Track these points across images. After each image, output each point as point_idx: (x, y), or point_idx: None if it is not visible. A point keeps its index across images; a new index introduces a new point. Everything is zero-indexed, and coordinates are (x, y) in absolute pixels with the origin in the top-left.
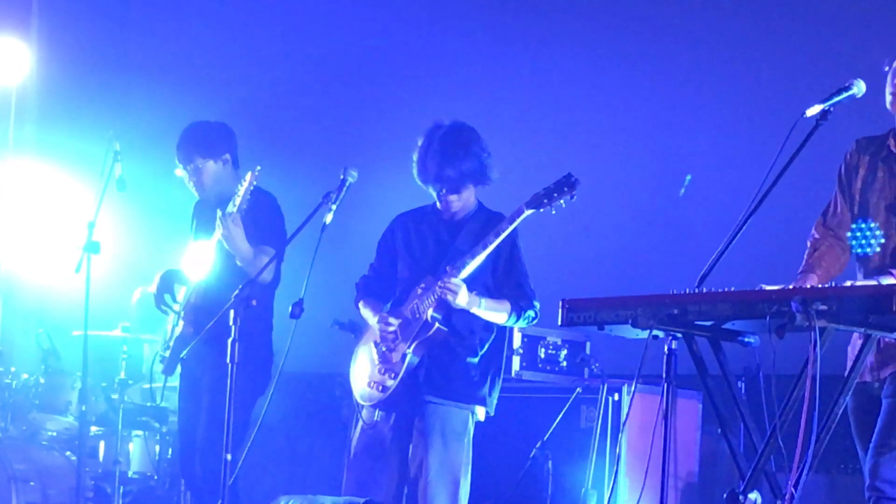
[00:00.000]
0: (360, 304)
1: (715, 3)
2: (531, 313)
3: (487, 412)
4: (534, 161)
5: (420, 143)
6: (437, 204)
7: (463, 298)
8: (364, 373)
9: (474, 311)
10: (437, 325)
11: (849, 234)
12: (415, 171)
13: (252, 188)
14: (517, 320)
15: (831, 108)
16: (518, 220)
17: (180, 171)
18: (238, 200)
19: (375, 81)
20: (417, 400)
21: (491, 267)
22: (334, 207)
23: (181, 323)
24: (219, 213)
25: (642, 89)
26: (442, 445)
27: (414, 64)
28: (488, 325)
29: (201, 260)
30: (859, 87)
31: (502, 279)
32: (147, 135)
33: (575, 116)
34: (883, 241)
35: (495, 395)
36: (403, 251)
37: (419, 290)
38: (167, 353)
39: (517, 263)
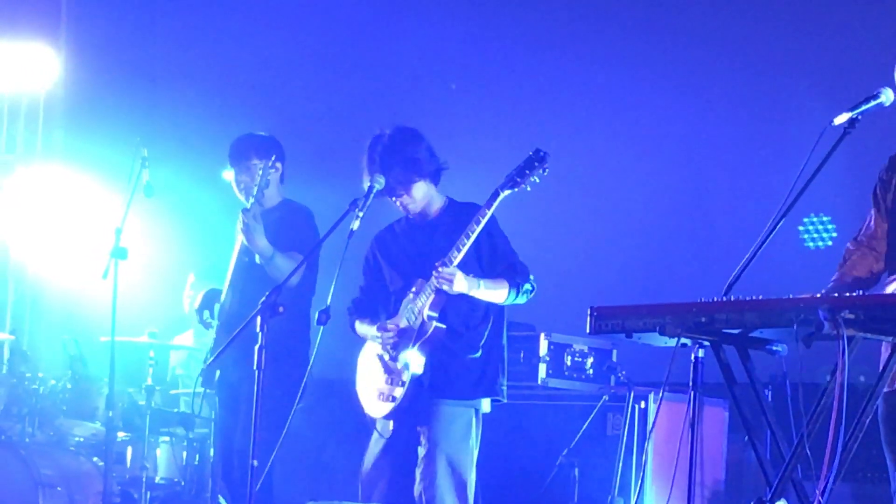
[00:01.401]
0: (357, 324)
1: (745, 9)
2: (528, 286)
3: (499, 400)
4: (561, 168)
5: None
6: (402, 210)
7: (461, 284)
8: (372, 386)
9: (474, 293)
10: (434, 323)
11: (801, 227)
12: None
13: (270, 176)
14: (517, 296)
15: (859, 117)
16: (495, 203)
17: (229, 174)
18: (255, 191)
19: (403, 89)
20: (422, 403)
21: (475, 257)
22: (361, 214)
23: (217, 333)
24: (241, 211)
25: (669, 97)
26: (448, 447)
27: (443, 73)
28: (485, 318)
29: (230, 268)
30: (887, 96)
31: (490, 264)
32: (175, 141)
33: (602, 123)
34: (835, 235)
35: (503, 381)
36: (388, 267)
37: (411, 295)
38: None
39: (500, 245)
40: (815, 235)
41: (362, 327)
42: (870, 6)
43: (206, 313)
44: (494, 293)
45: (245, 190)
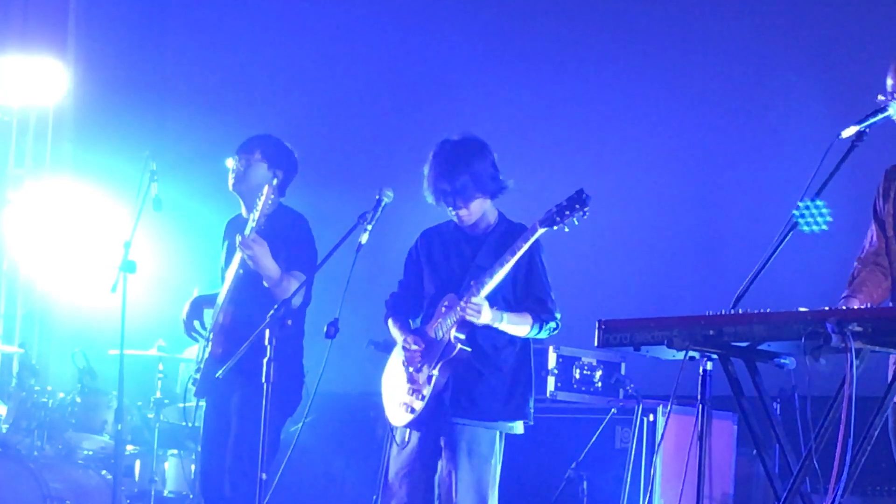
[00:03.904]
0: (390, 322)
1: (754, 22)
2: (552, 324)
3: (527, 423)
4: (570, 180)
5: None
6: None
7: (486, 317)
8: (394, 392)
9: (497, 325)
10: (459, 346)
11: (795, 212)
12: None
13: (271, 202)
14: (539, 332)
15: (867, 130)
16: (532, 239)
17: (231, 161)
18: (256, 215)
19: (411, 102)
20: (444, 421)
21: (511, 282)
22: (370, 227)
23: (210, 344)
24: (238, 237)
25: (678, 109)
26: (469, 467)
27: (450, 85)
28: (513, 340)
29: (227, 279)
30: (895, 109)
31: (523, 293)
32: (183, 155)
33: (610, 136)
34: (830, 219)
35: (531, 404)
36: (428, 267)
37: (443, 309)
38: (198, 375)
39: (537, 278)
40: (810, 219)
41: (394, 329)
42: (881, 16)
43: (197, 323)
44: (517, 328)
45: (236, 177)
